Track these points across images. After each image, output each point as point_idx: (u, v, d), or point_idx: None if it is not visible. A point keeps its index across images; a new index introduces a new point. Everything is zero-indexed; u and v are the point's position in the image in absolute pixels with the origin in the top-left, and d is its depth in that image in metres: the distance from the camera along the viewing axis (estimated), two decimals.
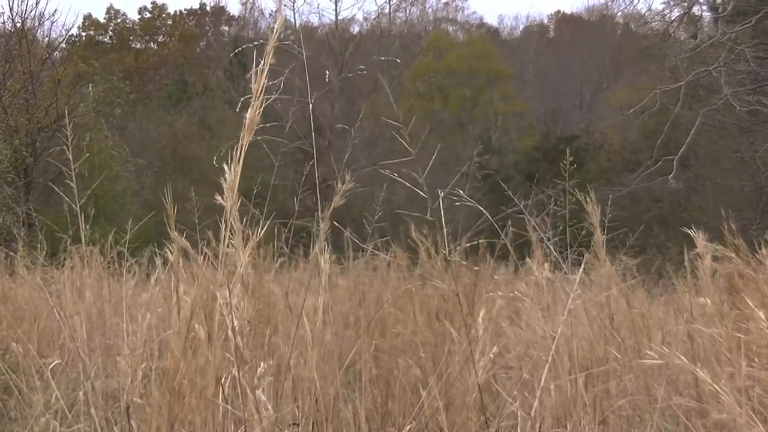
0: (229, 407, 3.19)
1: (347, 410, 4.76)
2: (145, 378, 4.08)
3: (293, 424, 4.24)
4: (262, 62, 3.07)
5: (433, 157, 4.85)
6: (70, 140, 4.82)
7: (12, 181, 24.16)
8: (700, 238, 4.59)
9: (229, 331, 2.72)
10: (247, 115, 3.08)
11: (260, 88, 3.06)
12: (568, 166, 6.31)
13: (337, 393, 4.65)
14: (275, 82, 3.13)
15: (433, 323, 5.46)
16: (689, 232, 4.69)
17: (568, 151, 7.42)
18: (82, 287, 6.80)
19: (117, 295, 6.34)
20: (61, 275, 7.88)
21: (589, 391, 4.66)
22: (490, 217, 5.01)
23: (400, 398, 5.11)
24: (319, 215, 4.30)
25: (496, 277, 6.53)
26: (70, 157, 4.80)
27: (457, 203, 4.59)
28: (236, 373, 3.08)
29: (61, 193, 5.05)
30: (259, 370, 3.19)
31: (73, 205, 4.83)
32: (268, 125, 3.28)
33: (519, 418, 4.06)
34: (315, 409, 4.16)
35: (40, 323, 6.76)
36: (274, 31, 3.11)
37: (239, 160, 3.07)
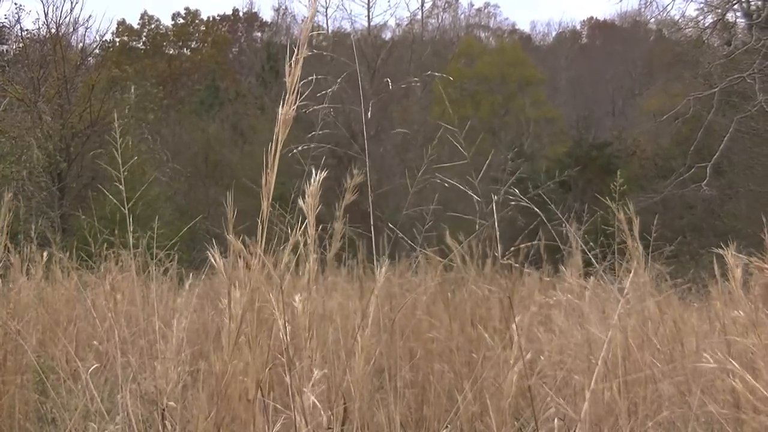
0: (277, 405, 3.21)
1: (382, 415, 4.76)
2: (180, 381, 4.11)
3: (328, 428, 4.25)
4: (295, 55, 3.00)
5: (487, 161, 4.86)
6: (118, 143, 4.85)
7: (46, 186, 24.37)
8: (729, 251, 4.55)
9: (281, 333, 2.72)
10: (280, 110, 3.00)
11: (294, 82, 2.99)
12: (619, 187, 6.24)
13: (371, 398, 4.66)
14: (309, 89, 3.09)
15: (467, 329, 5.46)
16: (719, 247, 4.63)
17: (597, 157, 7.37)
18: (118, 291, 6.84)
19: (152, 298, 6.38)
20: (97, 279, 7.94)
21: (623, 397, 4.64)
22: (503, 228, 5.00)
23: (435, 403, 5.11)
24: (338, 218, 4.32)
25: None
26: (119, 159, 4.84)
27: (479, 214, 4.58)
28: (285, 375, 3.10)
29: (110, 196, 5.09)
30: (314, 376, 3.20)
31: (122, 208, 4.87)
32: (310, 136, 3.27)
33: (555, 423, 4.04)
34: (349, 413, 4.16)
35: (76, 326, 6.80)
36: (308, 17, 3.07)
37: (275, 157, 2.98)
